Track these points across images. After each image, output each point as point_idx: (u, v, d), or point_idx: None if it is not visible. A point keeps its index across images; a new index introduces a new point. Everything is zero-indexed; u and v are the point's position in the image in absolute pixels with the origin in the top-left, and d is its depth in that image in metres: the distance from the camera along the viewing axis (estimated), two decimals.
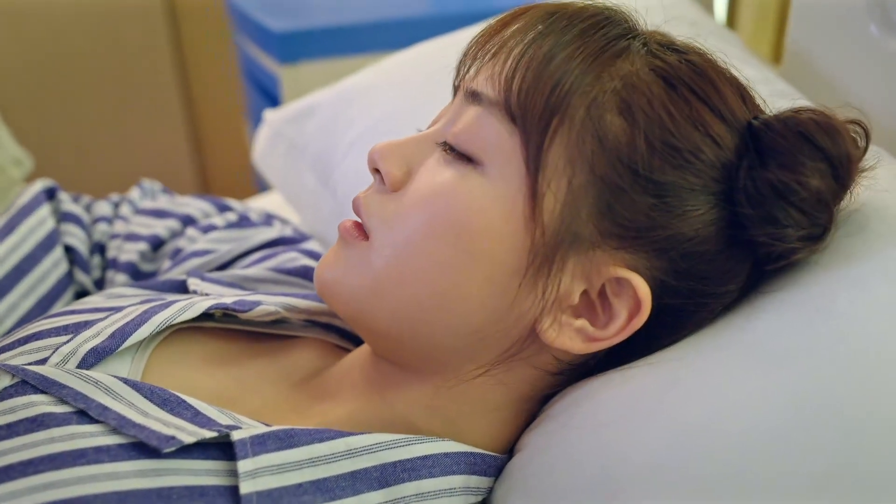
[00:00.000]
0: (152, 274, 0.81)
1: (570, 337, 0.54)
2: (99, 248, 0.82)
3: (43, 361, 0.56)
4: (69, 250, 0.80)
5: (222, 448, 0.51)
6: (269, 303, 0.64)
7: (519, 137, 0.52)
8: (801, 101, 0.58)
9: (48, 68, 1.88)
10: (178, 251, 0.80)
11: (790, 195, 0.51)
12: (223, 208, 0.86)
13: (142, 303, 0.64)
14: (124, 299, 0.67)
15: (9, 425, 0.51)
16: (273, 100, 1.39)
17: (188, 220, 0.83)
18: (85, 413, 0.52)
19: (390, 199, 0.56)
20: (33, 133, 1.93)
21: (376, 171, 0.58)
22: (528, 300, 0.53)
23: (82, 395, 0.52)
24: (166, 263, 0.80)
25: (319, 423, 0.59)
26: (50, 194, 0.83)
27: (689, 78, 0.53)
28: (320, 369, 0.65)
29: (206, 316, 0.64)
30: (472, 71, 0.56)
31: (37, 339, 0.59)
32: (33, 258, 0.77)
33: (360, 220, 0.58)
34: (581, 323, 0.54)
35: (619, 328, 0.53)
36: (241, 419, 0.54)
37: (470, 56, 0.56)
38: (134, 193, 0.89)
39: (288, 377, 0.64)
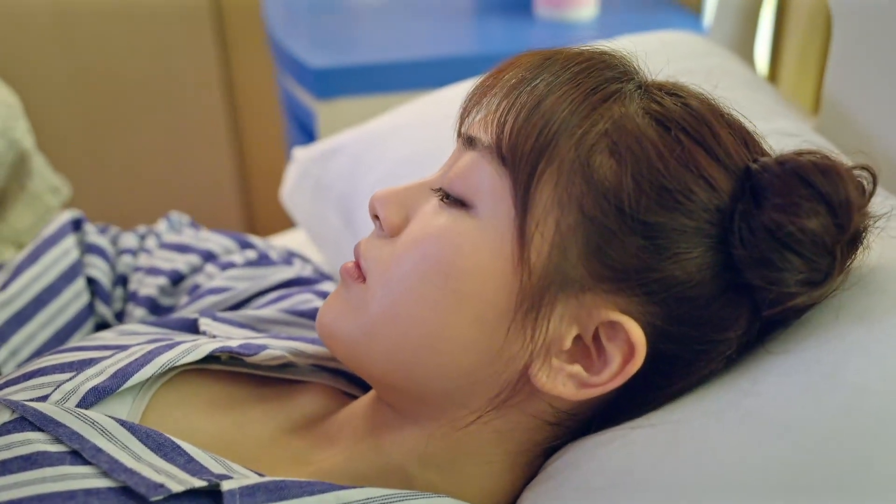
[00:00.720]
0: (171, 308, 0.82)
1: (563, 382, 0.54)
2: (122, 281, 0.84)
3: (45, 398, 0.57)
4: (91, 282, 0.82)
5: (213, 497, 0.51)
6: (276, 347, 0.65)
7: (508, 179, 0.53)
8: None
9: (96, 95, 1.93)
10: (195, 287, 0.81)
11: (785, 237, 0.50)
12: (245, 245, 0.88)
13: (149, 342, 0.65)
14: (135, 337, 0.68)
15: (3, 462, 0.52)
16: (310, 135, 1.40)
17: (209, 256, 0.85)
18: (79, 454, 0.52)
19: (387, 243, 0.58)
20: (81, 164, 1.98)
21: (376, 217, 0.59)
22: (517, 342, 0.53)
23: (78, 436, 0.53)
24: (184, 299, 0.81)
25: (315, 472, 0.59)
26: (76, 225, 0.84)
27: (684, 120, 0.53)
28: (325, 415, 0.65)
29: (212, 358, 0.65)
30: (470, 117, 0.57)
31: (41, 375, 0.60)
32: (54, 289, 0.78)
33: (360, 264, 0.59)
34: (575, 368, 0.54)
35: (612, 374, 0.53)
36: (234, 468, 0.54)
37: (469, 103, 0.57)
38: (161, 226, 0.91)
39: (291, 423, 0.64)
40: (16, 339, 0.75)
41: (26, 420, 0.55)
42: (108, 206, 2.02)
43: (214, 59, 1.95)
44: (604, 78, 0.54)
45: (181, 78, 1.96)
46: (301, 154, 1.00)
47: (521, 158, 0.53)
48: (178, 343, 0.63)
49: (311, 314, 0.75)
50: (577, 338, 0.54)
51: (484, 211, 0.54)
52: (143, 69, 1.93)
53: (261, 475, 0.54)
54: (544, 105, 0.53)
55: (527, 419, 0.57)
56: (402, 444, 0.59)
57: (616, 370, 0.53)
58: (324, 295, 0.79)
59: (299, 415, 0.65)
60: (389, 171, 0.87)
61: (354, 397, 0.68)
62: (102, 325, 0.82)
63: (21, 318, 0.75)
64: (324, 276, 0.85)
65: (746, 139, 0.55)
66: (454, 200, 0.56)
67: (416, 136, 0.89)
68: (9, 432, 0.54)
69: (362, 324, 0.57)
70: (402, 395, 0.58)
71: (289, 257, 0.89)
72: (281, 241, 1.09)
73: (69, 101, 1.91)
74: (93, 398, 0.57)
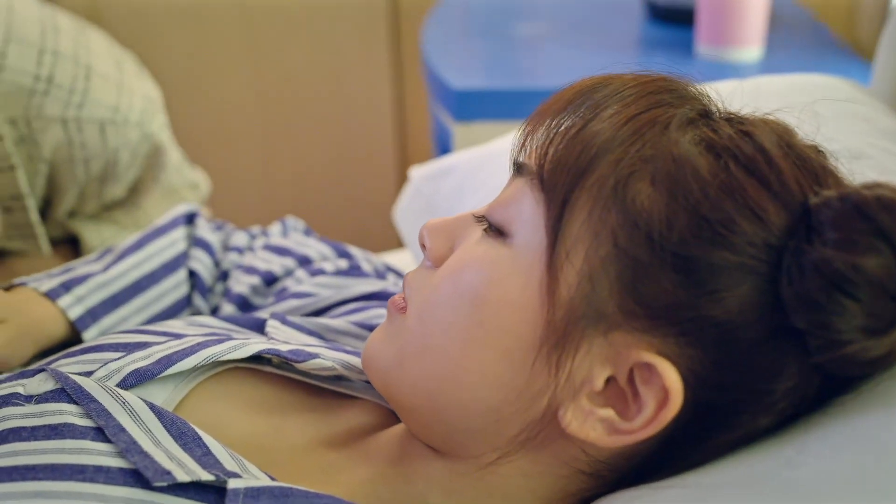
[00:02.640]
0: (259, 308, 0.84)
1: (593, 426, 0.51)
2: (224, 277, 0.87)
3: (90, 374, 0.60)
4: (193, 275, 0.85)
5: (220, 494, 0.52)
6: (329, 357, 0.65)
7: (544, 207, 0.51)
8: None
9: (271, 102, 2.02)
10: (283, 290, 0.83)
11: (835, 276, 0.46)
12: (342, 254, 0.89)
13: (205, 335, 0.67)
14: (199, 328, 0.70)
15: (33, 428, 0.55)
16: None
17: (304, 261, 0.87)
18: (103, 431, 0.55)
19: (430, 274, 0.58)
20: (247, 168, 2.08)
21: (424, 246, 0.59)
22: (543, 379, 0.52)
23: (105, 412, 0.55)
24: (270, 300, 0.83)
25: (340, 488, 0.59)
26: (190, 219, 0.89)
27: (738, 148, 0.50)
28: (368, 432, 0.65)
29: (267, 361, 0.66)
30: (528, 144, 0.56)
31: (95, 352, 0.63)
32: (155, 277, 0.82)
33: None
34: (606, 412, 0.51)
35: (646, 420, 0.50)
36: (249, 468, 0.55)
37: (527, 128, 0.56)
38: (274, 228, 0.94)
39: (331, 435, 0.64)
40: (108, 320, 0.79)
41: (65, 391, 0.58)
42: (269, 211, 2.11)
43: (387, 81, 2.01)
44: (655, 101, 0.52)
45: (353, 97, 2.02)
46: (417, 173, 1.01)
47: (556, 183, 0.51)
48: (229, 339, 0.65)
49: None
50: (612, 380, 0.51)
51: (519, 240, 0.53)
52: (317, 83, 2.00)
53: (273, 479, 0.55)
54: (588, 128, 0.51)
55: (558, 464, 0.55)
56: (428, 476, 0.58)
57: (650, 417, 0.50)
58: None
59: (343, 428, 0.65)
60: (492, 194, 0.86)
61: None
62: None
63: (117, 300, 0.79)
64: None
65: (819, 174, 0.51)
66: (495, 230, 0.55)
67: None
68: (46, 401, 0.57)
69: (395, 353, 0.58)
70: (429, 428, 0.58)
71: (384, 271, 0.90)
72: (394, 259, 1.10)
73: (245, 106, 2.01)
74: (133, 380, 0.60)
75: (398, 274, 0.91)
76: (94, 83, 1.01)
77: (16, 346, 0.70)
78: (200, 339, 0.64)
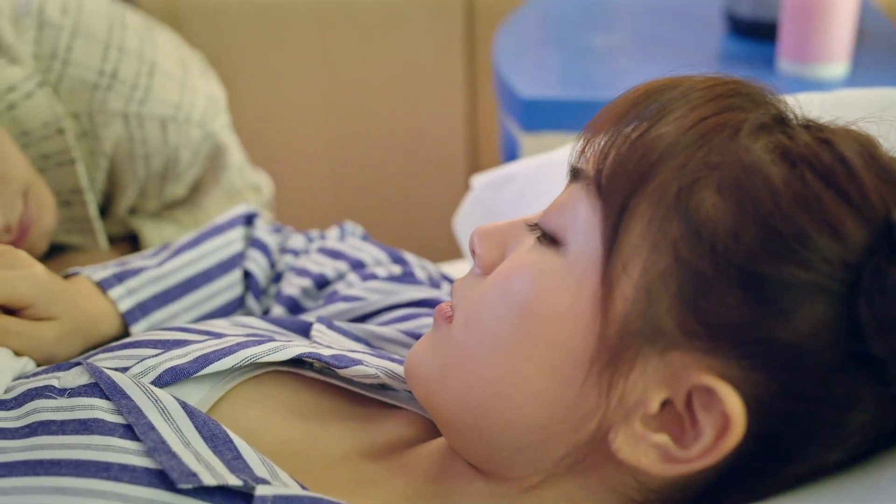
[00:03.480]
0: (309, 311, 0.83)
1: (646, 452, 0.48)
2: (278, 279, 0.86)
3: (125, 370, 0.59)
4: (248, 276, 0.84)
5: (247, 500, 0.50)
6: (372, 365, 0.63)
7: (600, 214, 0.49)
8: None
9: (343, 107, 2.02)
10: (333, 293, 0.82)
11: None
12: (397, 260, 0.87)
13: (247, 335, 0.65)
14: (242, 328, 0.69)
15: (62, 422, 0.54)
16: None
17: (357, 265, 0.85)
18: (132, 429, 0.53)
19: (479, 281, 0.56)
20: (315, 171, 2.09)
21: (473, 252, 0.57)
22: (593, 399, 0.49)
23: (136, 410, 0.54)
24: (320, 303, 0.82)
25: (372, 501, 0.57)
26: (249, 220, 0.88)
27: (816, 157, 0.47)
28: (409, 445, 0.63)
29: (309, 365, 0.65)
30: (587, 149, 0.53)
31: (133, 348, 0.62)
32: (209, 275, 0.82)
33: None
34: (661, 438, 0.48)
35: (703, 449, 0.47)
36: (280, 475, 0.53)
37: (587, 133, 0.53)
38: (332, 232, 0.93)
39: (371, 445, 0.62)
40: (158, 315, 0.78)
41: (98, 387, 0.57)
42: (334, 216, 2.11)
43: (460, 89, 1.99)
44: (726, 105, 0.49)
45: (425, 104, 2.02)
46: (478, 180, 0.99)
47: (614, 190, 0.48)
48: (271, 340, 0.63)
49: None
50: (668, 403, 0.48)
51: (573, 249, 0.51)
52: (389, 88, 2.00)
53: (304, 488, 0.53)
54: (651, 132, 0.49)
55: (606, 491, 0.52)
56: (467, 496, 0.56)
57: (708, 445, 0.47)
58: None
59: (383, 439, 0.63)
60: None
61: None
62: None
63: (168, 296, 0.79)
64: None
65: None
66: (548, 238, 0.53)
67: None
68: (79, 395, 0.56)
69: (439, 364, 0.56)
70: (470, 445, 0.55)
71: (439, 279, 0.88)
72: (456, 269, 1.08)
73: (316, 110, 2.02)
74: (169, 378, 0.58)
75: (452, 283, 0.89)
76: (157, 80, 1.01)
77: (66, 343, 0.70)
78: (241, 340, 0.63)
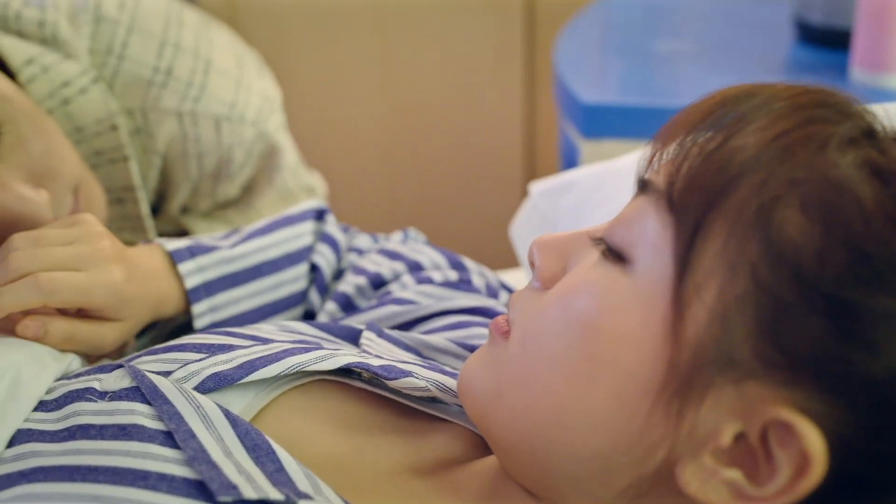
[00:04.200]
0: (362, 310, 0.81)
1: (716, 489, 0.45)
2: (341, 276, 0.85)
3: (168, 374, 0.58)
4: (315, 269, 0.83)
5: None
6: (423, 377, 0.61)
7: (673, 230, 0.46)
8: None
9: (401, 113, 2.01)
10: (387, 294, 0.80)
11: None
12: (456, 265, 0.85)
13: (294, 342, 0.64)
14: (289, 334, 0.67)
15: (102, 426, 0.53)
16: None
17: (414, 267, 0.83)
18: (172, 436, 0.52)
19: (539, 296, 0.53)
20: (370, 175, 2.08)
21: (533, 264, 0.54)
22: (660, 429, 0.46)
23: (178, 416, 0.53)
24: (373, 303, 0.80)
25: None
26: (320, 215, 0.87)
27: None
28: (459, 462, 0.61)
29: (356, 374, 0.63)
30: (656, 160, 0.50)
31: (177, 351, 0.61)
32: (276, 264, 0.81)
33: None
34: (733, 474, 0.45)
35: (779, 489, 0.43)
36: (323, 490, 0.51)
37: (657, 142, 0.50)
38: (395, 236, 0.91)
39: (419, 461, 0.60)
40: (221, 297, 0.77)
41: (140, 391, 0.55)
42: (388, 219, 2.10)
43: (519, 94, 1.97)
44: (811, 116, 0.46)
45: (483, 108, 1.99)
46: (536, 188, 0.96)
47: (688, 205, 0.46)
48: (318, 348, 0.61)
49: None
50: (742, 436, 0.45)
51: (642, 267, 0.48)
52: (446, 92, 1.98)
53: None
54: (728, 144, 0.45)
55: None
56: None
57: (784, 485, 0.43)
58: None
59: (431, 455, 0.61)
60: (614, 213, 0.81)
61: None
62: (309, 315, 0.84)
63: (234, 279, 0.78)
64: None
65: None
66: (614, 253, 0.50)
67: None
68: (120, 398, 0.55)
69: (493, 381, 0.53)
70: (524, 468, 0.53)
71: (497, 288, 0.85)
72: (510, 278, 1.06)
73: (372, 111, 2.01)
74: (212, 384, 0.57)
75: (512, 292, 0.86)
76: (212, 78, 1.00)
77: (124, 340, 0.70)
78: (287, 346, 0.61)
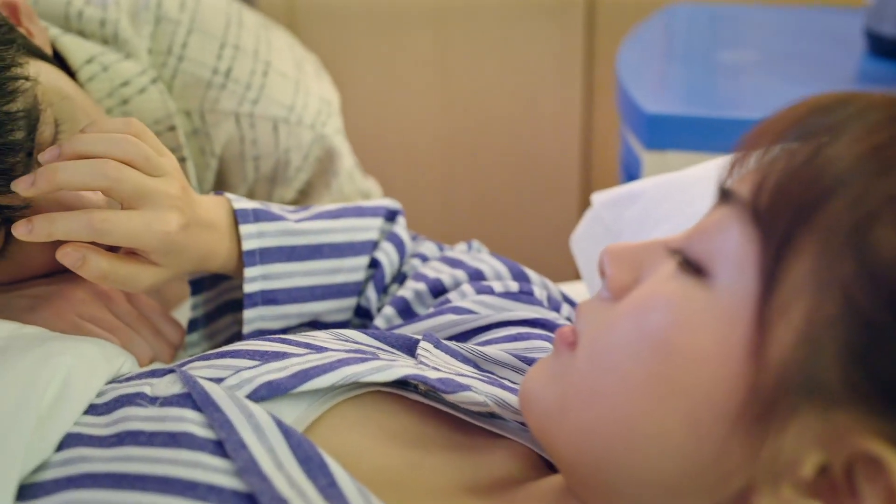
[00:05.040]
0: (419, 317, 0.80)
1: None
2: (402, 280, 0.83)
3: (220, 380, 0.56)
4: (376, 266, 0.82)
5: None
6: (482, 392, 0.59)
7: (758, 244, 0.43)
8: None
9: (457, 120, 1.99)
10: (445, 301, 0.78)
11: None
12: (518, 276, 0.83)
13: (349, 350, 0.62)
14: (344, 343, 0.65)
15: (152, 433, 0.52)
16: None
17: (475, 276, 0.81)
18: (223, 445, 0.50)
19: (608, 307, 0.51)
20: (426, 184, 2.06)
21: (603, 274, 0.52)
22: (737, 456, 0.43)
23: (229, 425, 0.51)
24: (431, 311, 0.78)
25: None
26: (392, 215, 0.86)
27: None
28: (517, 481, 0.58)
29: (413, 387, 0.61)
30: (737, 169, 0.48)
31: (231, 357, 0.60)
32: (338, 249, 0.80)
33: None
34: None
35: None
36: None
37: (740, 150, 0.48)
38: (459, 247, 0.89)
39: (475, 480, 0.58)
40: (275, 268, 0.76)
41: (191, 397, 0.54)
42: (444, 224, 2.08)
43: (578, 103, 1.94)
44: None
45: (542, 117, 1.97)
46: (598, 198, 0.94)
47: (776, 219, 0.43)
48: (374, 358, 0.59)
49: None
50: (825, 467, 0.42)
51: (722, 281, 0.45)
52: (505, 99, 1.96)
53: None
54: (821, 155, 0.43)
55: None
56: None
57: None
58: None
59: (489, 473, 0.58)
60: (681, 225, 0.78)
61: (556, 470, 0.61)
62: (363, 312, 0.83)
63: (293, 253, 0.77)
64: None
65: None
66: (692, 265, 0.47)
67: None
68: (170, 405, 0.54)
69: (558, 396, 0.51)
70: (589, 489, 0.50)
71: (559, 301, 0.83)
72: (569, 291, 1.03)
73: (430, 118, 1.99)
74: (265, 392, 0.55)
75: (574, 306, 0.84)
76: (271, 80, 0.99)
77: (159, 286, 0.70)
78: (342, 356, 0.59)
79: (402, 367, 0.58)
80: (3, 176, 0.65)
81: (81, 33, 0.93)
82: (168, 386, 0.56)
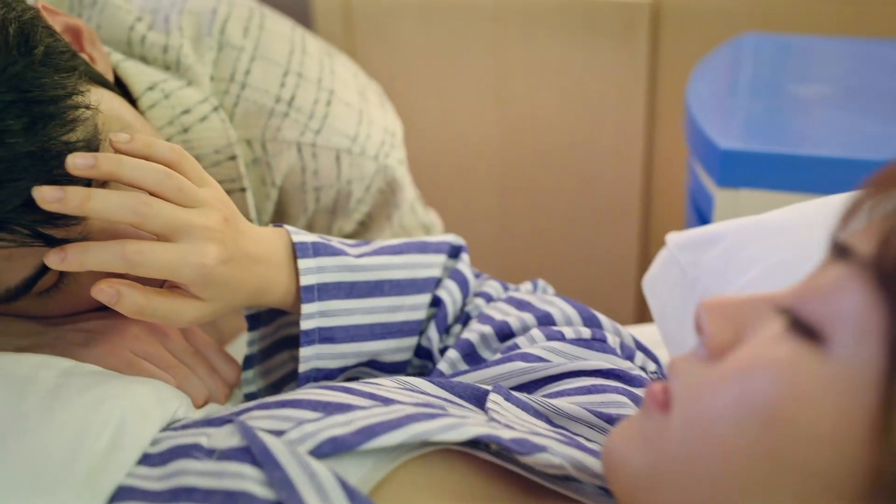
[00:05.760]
0: (485, 361, 0.76)
1: None
2: (465, 320, 0.80)
3: (281, 433, 0.53)
4: (438, 305, 0.79)
5: None
6: (558, 453, 0.55)
7: (884, 312, 0.39)
8: None
9: (516, 147, 1.96)
10: (513, 346, 0.74)
11: None
12: (589, 321, 0.78)
13: (417, 404, 0.58)
14: (410, 394, 0.62)
15: (208, 491, 0.49)
16: (706, 224, 1.29)
17: (544, 320, 0.77)
18: None
19: (706, 367, 0.46)
20: (480, 212, 2.03)
21: (700, 329, 0.47)
22: None
23: (289, 484, 0.48)
24: (498, 356, 0.74)
25: None
26: (455, 252, 0.83)
27: None
28: None
29: (483, 445, 0.57)
30: (851, 222, 0.43)
31: (293, 407, 0.56)
32: (399, 286, 0.77)
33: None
34: None
35: None
36: None
37: (854, 203, 0.44)
38: (524, 286, 0.86)
39: None
40: (334, 304, 0.73)
41: (250, 451, 0.51)
42: (501, 256, 2.04)
43: (641, 135, 1.89)
44: None
45: (602, 147, 1.93)
46: (674, 239, 0.89)
47: None
48: (444, 415, 0.56)
49: (619, 422, 0.64)
50: None
51: (840, 349, 0.41)
52: (565, 128, 1.92)
53: None
54: None
55: None
56: None
57: None
58: (640, 403, 0.67)
59: None
60: (764, 275, 0.74)
61: None
62: (424, 352, 0.80)
63: (353, 290, 0.74)
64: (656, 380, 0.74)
65: None
66: (803, 328, 0.43)
67: (807, 238, 0.74)
68: (228, 459, 0.51)
69: (650, 462, 0.47)
70: None
71: (633, 350, 0.78)
72: (636, 333, 0.98)
73: (490, 146, 1.96)
74: (329, 448, 0.52)
75: (648, 354, 0.79)
76: (334, 109, 0.97)
77: (206, 321, 0.68)
78: (410, 411, 0.55)
79: (473, 425, 0.55)
80: (59, 218, 0.63)
81: (143, 59, 0.91)
82: (226, 438, 0.53)
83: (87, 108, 0.65)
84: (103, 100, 0.69)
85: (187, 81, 0.90)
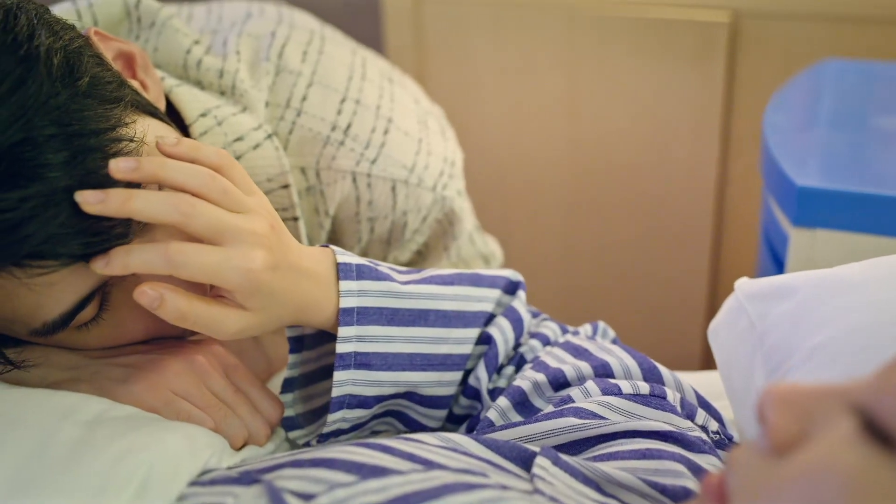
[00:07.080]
0: (537, 410, 0.73)
1: None
2: (518, 362, 0.77)
3: (311, 497, 0.50)
4: (488, 342, 0.76)
5: None
6: None
7: None
8: None
9: (585, 170, 1.92)
10: (566, 399, 0.71)
11: None
12: (650, 374, 0.74)
13: (457, 471, 0.55)
14: (451, 456, 0.58)
15: None
16: (780, 266, 1.23)
17: (601, 370, 0.74)
18: None
19: (768, 463, 0.42)
20: (544, 239, 1.99)
21: (762, 418, 0.43)
22: None
23: None
24: (550, 408, 0.71)
25: None
26: (511, 288, 0.80)
27: None
28: None
29: None
30: None
31: (325, 468, 0.54)
32: (445, 318, 0.74)
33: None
34: None
35: None
36: None
37: None
38: (583, 328, 0.82)
39: None
40: (373, 330, 0.71)
41: None
42: (563, 292, 2.00)
43: (715, 160, 1.84)
44: None
45: (675, 172, 1.87)
46: (743, 285, 0.84)
47: None
48: (483, 486, 0.52)
49: (675, 494, 0.60)
50: None
51: None
52: (639, 153, 1.87)
53: None
54: None
55: None
56: None
57: None
58: (698, 472, 0.63)
59: None
60: (838, 339, 0.69)
61: None
62: (472, 392, 0.77)
63: (396, 316, 0.72)
64: (716, 446, 0.69)
65: None
66: (878, 433, 0.38)
67: (887, 297, 0.69)
68: None
69: None
70: None
71: (694, 407, 0.74)
72: (696, 380, 0.94)
73: (558, 172, 1.93)
74: None
75: (710, 411, 0.74)
76: (392, 138, 0.94)
77: (249, 333, 0.66)
78: (448, 479, 0.52)
79: (516, 500, 0.51)
80: (102, 238, 0.61)
81: (199, 83, 0.89)
82: (253, 500, 0.51)
83: (132, 140, 0.64)
84: (150, 130, 0.68)
85: (242, 107, 0.89)
